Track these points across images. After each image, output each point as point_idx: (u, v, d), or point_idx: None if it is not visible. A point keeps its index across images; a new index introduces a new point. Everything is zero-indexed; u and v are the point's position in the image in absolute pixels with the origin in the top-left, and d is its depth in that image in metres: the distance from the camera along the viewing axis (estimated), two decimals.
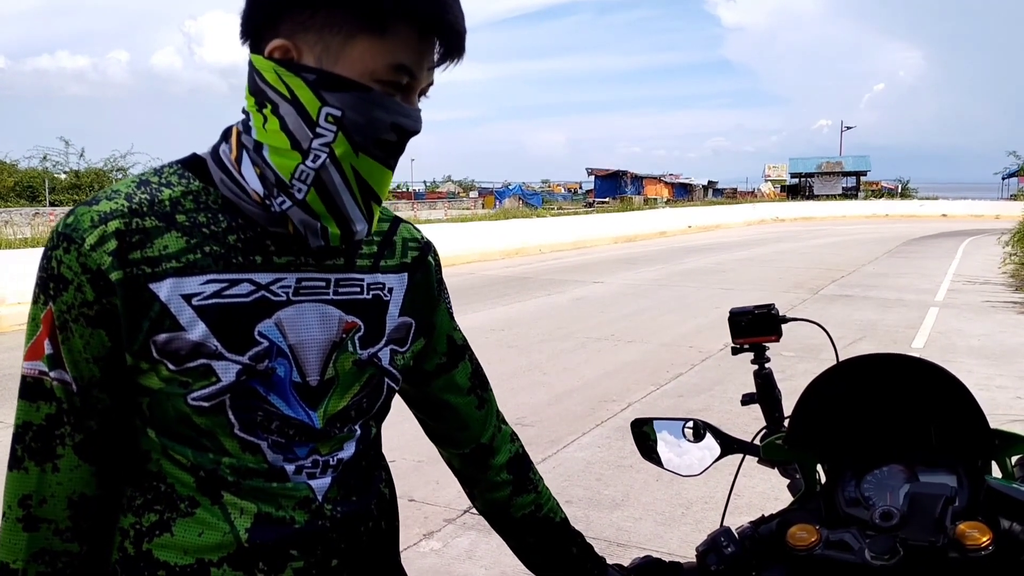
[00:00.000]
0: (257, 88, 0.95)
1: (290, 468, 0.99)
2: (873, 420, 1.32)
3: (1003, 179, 38.13)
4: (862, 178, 63.00)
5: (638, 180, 60.06)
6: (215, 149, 1.00)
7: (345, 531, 1.04)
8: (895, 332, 9.39)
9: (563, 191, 74.30)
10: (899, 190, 65.25)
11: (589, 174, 63.46)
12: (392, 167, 0.99)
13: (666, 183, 63.15)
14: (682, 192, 64.37)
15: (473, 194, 65.20)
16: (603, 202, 51.71)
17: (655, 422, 1.54)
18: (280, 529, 0.99)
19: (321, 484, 1.01)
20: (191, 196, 0.97)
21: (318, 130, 0.93)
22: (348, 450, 1.04)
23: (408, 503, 4.29)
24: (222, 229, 0.96)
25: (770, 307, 1.53)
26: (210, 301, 0.93)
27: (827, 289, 13.36)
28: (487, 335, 9.14)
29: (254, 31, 0.97)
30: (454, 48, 0.98)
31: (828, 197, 56.45)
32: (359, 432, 1.06)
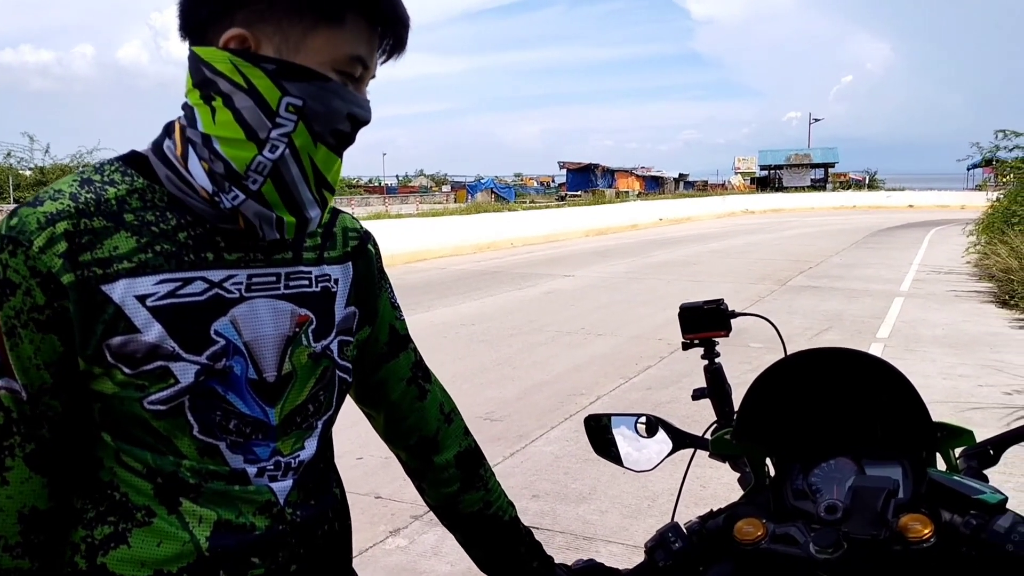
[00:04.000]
0: (204, 80, 0.93)
1: (251, 470, 0.98)
2: (821, 413, 1.33)
3: (968, 169, 38.74)
4: (830, 170, 63.69)
5: (610, 173, 60.28)
6: (157, 145, 0.98)
7: (304, 535, 1.03)
8: (861, 322, 9.51)
9: (536, 185, 74.29)
10: (867, 181, 66.10)
11: (561, 167, 63.65)
12: (342, 156, 1.00)
13: (638, 176, 63.42)
14: (653, 185, 64.67)
15: (445, 188, 65.01)
16: (575, 195, 51.84)
17: (612, 418, 1.54)
18: (241, 536, 0.97)
19: (283, 487, 1.00)
20: (137, 194, 0.95)
21: (278, 120, 0.92)
22: (309, 449, 1.04)
23: (375, 500, 4.27)
24: (171, 227, 0.94)
25: (719, 302, 1.53)
26: (165, 301, 0.92)
27: (795, 280, 13.49)
28: (458, 330, 9.12)
29: (198, 24, 0.95)
30: (401, 41, 1.01)
31: (797, 189, 57.04)
32: (319, 428, 1.05)
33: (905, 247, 20.02)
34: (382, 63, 1.03)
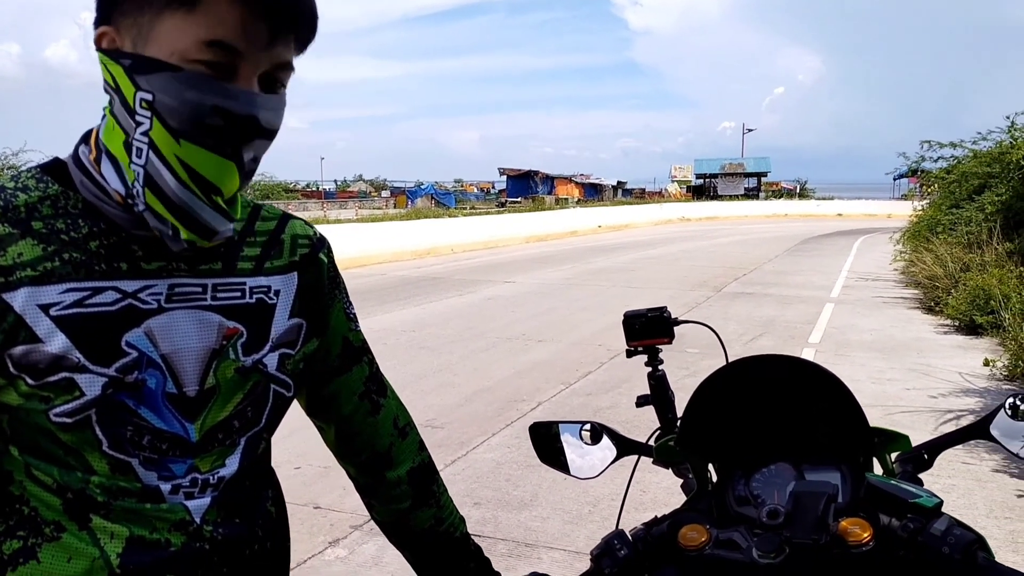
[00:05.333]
0: (105, 85, 0.91)
1: (165, 488, 0.93)
2: (761, 419, 1.35)
3: (894, 179, 40.02)
4: (763, 179, 65.16)
5: (549, 180, 60.60)
6: (75, 151, 0.95)
7: (228, 554, 0.99)
8: (793, 328, 9.73)
9: (476, 191, 74.35)
10: (798, 190, 67.76)
11: (501, 174, 63.74)
12: (232, 156, 0.90)
13: (577, 183, 63.89)
14: (592, 192, 65.25)
15: (385, 193, 64.57)
16: (515, 202, 51.98)
17: (559, 425, 1.54)
18: (155, 553, 0.93)
19: (199, 504, 0.96)
20: (49, 201, 0.91)
21: (137, 118, 0.87)
22: (231, 466, 0.99)
23: (314, 510, 4.20)
24: (82, 235, 0.91)
25: (663, 310, 1.55)
26: (71, 311, 0.88)
27: (730, 287, 13.75)
28: (398, 336, 9.05)
29: (95, 26, 0.92)
30: (293, 22, 0.91)
31: (731, 197, 58.19)
32: (242, 445, 1.00)
33: (835, 254, 20.58)
34: (298, 53, 0.94)
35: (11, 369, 0.87)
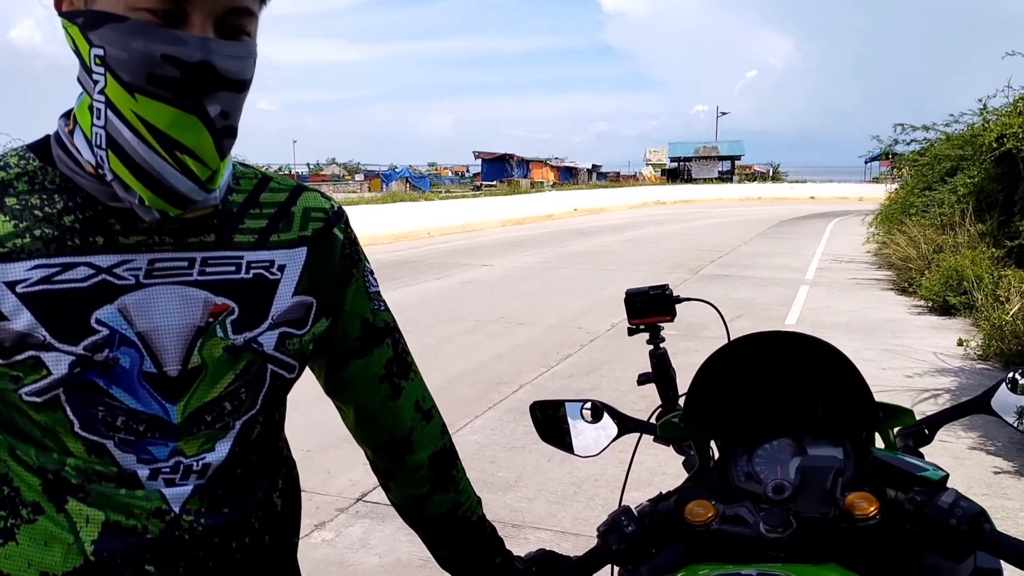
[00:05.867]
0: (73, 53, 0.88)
1: (143, 472, 0.90)
2: (763, 396, 1.35)
3: (866, 163, 40.40)
4: (737, 162, 65.48)
5: (524, 163, 60.51)
6: (57, 127, 0.94)
7: (212, 546, 0.95)
8: (770, 309, 9.82)
9: (450, 174, 74.03)
10: (771, 174, 68.17)
11: (476, 157, 63.52)
12: (194, 110, 0.84)
13: (552, 166, 63.86)
14: (567, 175, 65.25)
15: (359, 177, 64.12)
16: (491, 185, 51.86)
17: (567, 404, 1.54)
18: (130, 539, 0.90)
19: (179, 492, 0.92)
20: (26, 177, 0.90)
21: (93, 76, 0.84)
22: (219, 451, 0.95)
23: None
24: (57, 210, 0.88)
25: (664, 287, 1.55)
26: (37, 288, 0.86)
27: (706, 269, 13.83)
28: None
29: None
30: None
31: (706, 180, 58.47)
32: (237, 429, 0.96)
33: (808, 236, 20.75)
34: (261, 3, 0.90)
35: None
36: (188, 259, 0.92)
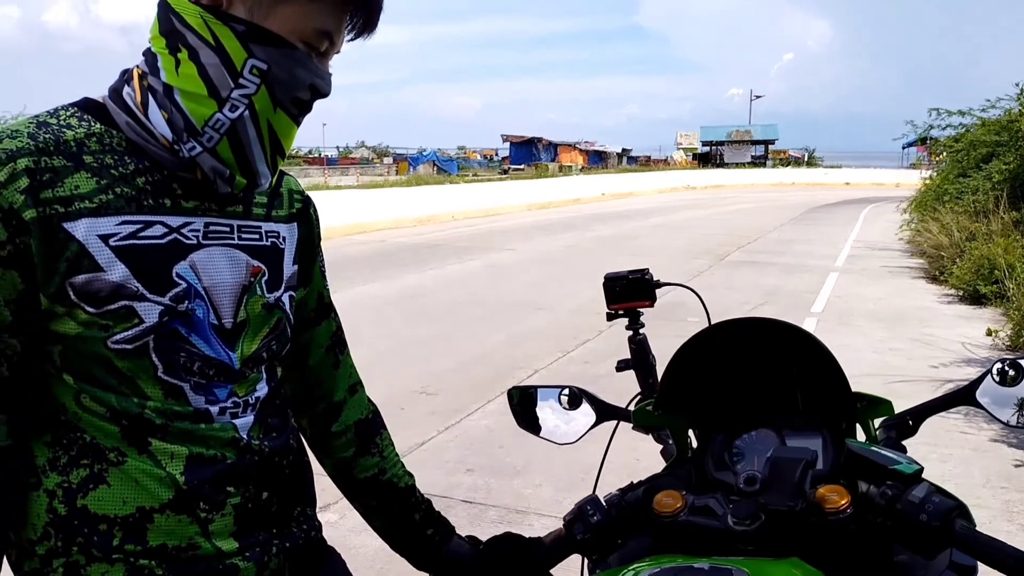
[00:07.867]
0: (172, 30, 0.95)
1: (214, 409, 1.00)
2: (743, 384, 1.30)
3: (903, 148, 39.67)
4: (770, 147, 64.78)
5: (553, 147, 60.35)
6: (115, 91, 0.99)
7: (272, 465, 1.07)
8: (796, 296, 9.68)
9: (479, 157, 73.98)
10: (805, 159, 67.40)
11: (504, 140, 63.48)
12: (299, 125, 1.04)
13: (581, 150, 63.60)
14: (596, 159, 64.96)
15: (387, 160, 64.30)
16: (518, 169, 51.78)
17: (538, 390, 1.51)
18: (214, 467, 1.00)
19: (245, 423, 1.03)
20: (95, 138, 0.95)
21: (241, 81, 0.95)
22: (262, 390, 1.07)
23: None
24: (130, 171, 0.95)
25: (644, 272, 1.49)
26: (127, 242, 0.93)
27: (734, 255, 13.68)
28: (398, 303, 9.03)
29: None
30: (371, 22, 1.04)
31: (738, 165, 57.87)
32: (267, 374, 1.08)
33: (841, 223, 20.46)
34: (350, 40, 1.04)
35: (72, 297, 0.90)
36: (230, 225, 1.03)
